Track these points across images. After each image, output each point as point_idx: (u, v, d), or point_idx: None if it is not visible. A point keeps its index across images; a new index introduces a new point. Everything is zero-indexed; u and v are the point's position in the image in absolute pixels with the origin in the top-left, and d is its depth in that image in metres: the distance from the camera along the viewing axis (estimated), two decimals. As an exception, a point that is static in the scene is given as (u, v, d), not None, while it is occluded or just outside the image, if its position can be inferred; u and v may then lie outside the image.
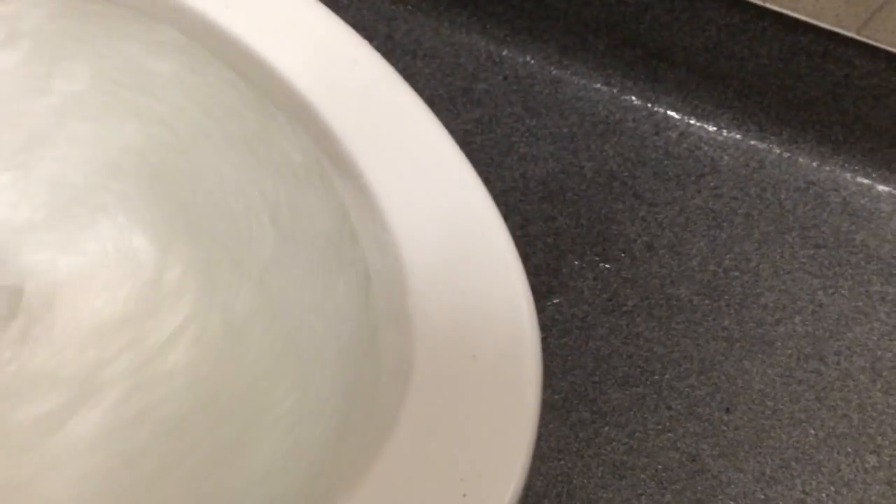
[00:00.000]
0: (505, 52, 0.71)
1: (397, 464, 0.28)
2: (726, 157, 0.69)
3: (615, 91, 0.70)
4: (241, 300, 0.37)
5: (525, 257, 0.63)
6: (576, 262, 0.65)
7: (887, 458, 0.60)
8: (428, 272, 0.32)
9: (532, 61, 0.71)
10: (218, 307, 0.37)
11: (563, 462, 0.59)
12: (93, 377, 0.36)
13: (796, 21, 0.57)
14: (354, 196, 0.34)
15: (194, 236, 0.39)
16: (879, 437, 0.61)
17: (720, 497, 0.58)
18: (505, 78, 0.71)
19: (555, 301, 0.64)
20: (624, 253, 0.66)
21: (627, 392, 0.62)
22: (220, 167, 0.39)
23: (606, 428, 0.61)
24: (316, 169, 0.37)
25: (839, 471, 0.59)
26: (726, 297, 0.65)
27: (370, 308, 0.33)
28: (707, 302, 0.65)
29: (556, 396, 0.61)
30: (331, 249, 0.36)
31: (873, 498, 0.59)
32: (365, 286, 0.33)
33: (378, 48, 0.70)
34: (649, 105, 0.70)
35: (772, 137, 0.69)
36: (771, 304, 0.65)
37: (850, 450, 0.60)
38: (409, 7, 0.72)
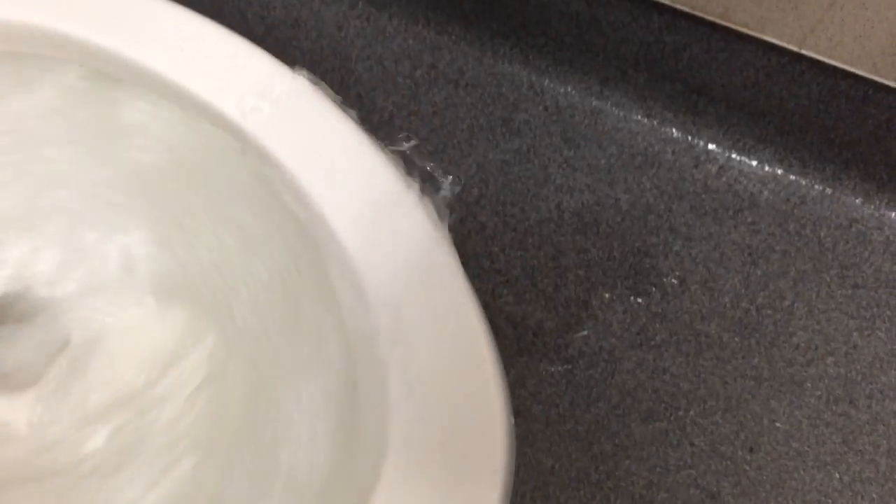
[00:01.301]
0: (546, 83, 0.74)
1: None
2: (766, 192, 0.71)
3: (655, 123, 0.72)
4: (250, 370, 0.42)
5: (555, 288, 0.66)
6: (606, 295, 0.68)
7: (913, 507, 0.61)
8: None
9: (573, 92, 0.74)
10: (230, 369, 0.42)
11: (581, 492, 0.62)
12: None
13: (834, 67, 0.59)
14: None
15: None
16: (906, 486, 0.62)
17: (737, 536, 0.60)
18: (545, 108, 0.74)
19: (583, 333, 0.67)
20: (655, 287, 0.68)
21: (651, 426, 0.64)
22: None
23: (627, 461, 0.63)
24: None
25: (862, 517, 0.61)
26: (757, 335, 0.66)
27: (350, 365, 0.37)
28: (737, 339, 0.67)
29: (580, 428, 0.64)
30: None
31: (896, 546, 0.60)
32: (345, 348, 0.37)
33: (422, 77, 0.74)
34: (689, 138, 0.72)
35: (814, 173, 0.70)
36: (803, 344, 0.66)
37: (874, 496, 0.62)
38: (454, 37, 0.75)
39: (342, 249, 0.36)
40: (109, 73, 0.42)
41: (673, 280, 0.68)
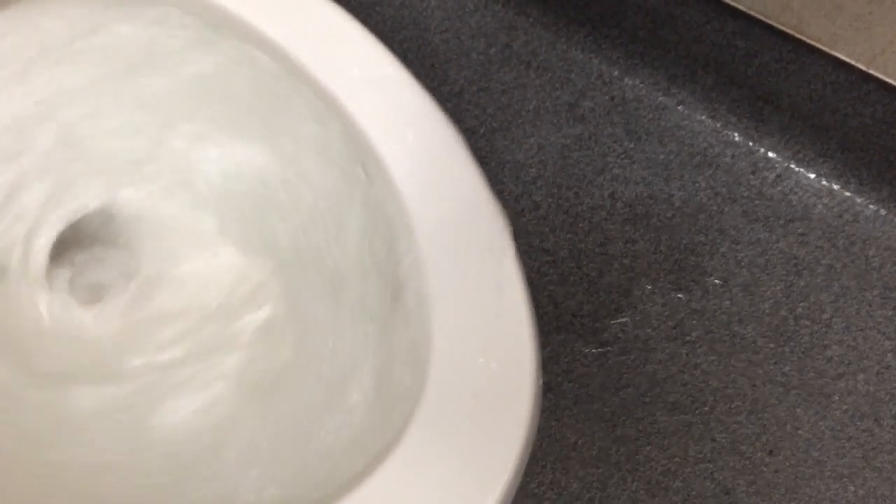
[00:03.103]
0: (615, 74, 0.78)
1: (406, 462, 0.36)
2: (820, 206, 0.74)
3: (718, 125, 0.76)
4: (304, 300, 0.47)
5: (599, 274, 0.71)
6: (648, 287, 0.72)
7: (923, 528, 0.65)
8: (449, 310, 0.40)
9: (640, 85, 0.78)
10: (292, 304, 0.47)
11: (600, 470, 0.67)
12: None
13: (900, 89, 0.62)
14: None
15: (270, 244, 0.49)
16: (920, 506, 0.65)
17: (745, 531, 0.64)
18: (611, 98, 0.78)
19: (621, 320, 0.71)
20: (697, 285, 0.72)
21: (675, 418, 0.69)
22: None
23: (648, 447, 0.68)
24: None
25: (871, 530, 0.65)
26: (792, 343, 0.70)
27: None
28: (771, 345, 0.70)
29: (606, 409, 0.69)
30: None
31: (900, 563, 0.64)
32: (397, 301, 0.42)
33: (495, 55, 0.79)
34: (750, 143, 0.75)
35: (870, 193, 0.73)
36: (836, 358, 0.70)
37: (887, 512, 0.65)
38: (531, 19, 0.80)
39: (398, 192, 0.40)
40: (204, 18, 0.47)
41: (716, 280, 0.72)
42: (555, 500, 0.67)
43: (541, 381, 0.42)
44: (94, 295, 0.51)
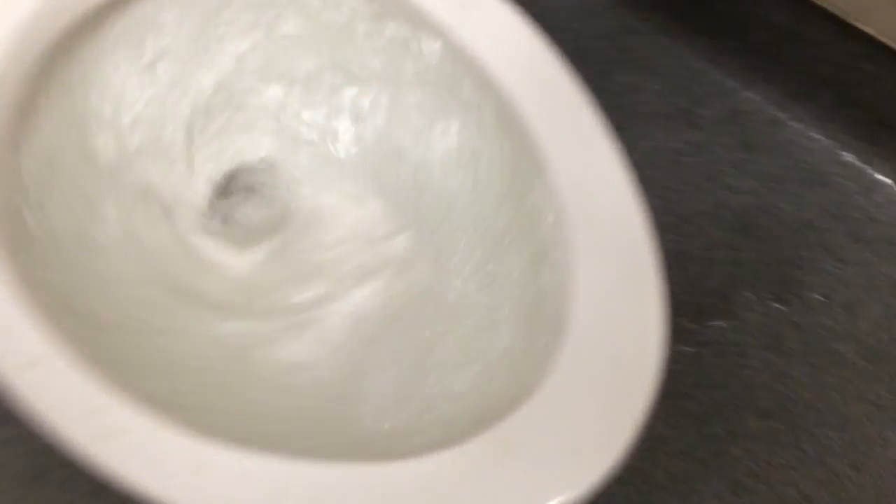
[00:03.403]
0: (734, 85, 0.80)
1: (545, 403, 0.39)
2: (929, 234, 0.75)
3: (832, 144, 0.78)
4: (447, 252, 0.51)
5: (701, 277, 0.73)
6: (749, 295, 0.74)
7: None
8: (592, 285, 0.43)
9: (758, 99, 0.80)
10: (433, 257, 0.51)
11: (686, 465, 0.69)
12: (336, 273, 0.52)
13: None
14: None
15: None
16: None
17: (826, 541, 0.66)
18: (728, 109, 0.80)
19: (717, 323, 0.73)
20: (798, 298, 0.74)
21: (765, 423, 0.70)
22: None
23: (735, 448, 0.70)
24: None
25: (953, 555, 0.65)
26: (887, 365, 0.71)
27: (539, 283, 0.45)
28: (867, 365, 0.72)
29: (697, 408, 0.71)
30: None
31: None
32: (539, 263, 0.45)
33: (615, 57, 0.81)
34: (862, 165, 0.77)
35: (982, 226, 0.74)
36: (932, 384, 0.71)
37: (970, 540, 0.66)
38: (653, 25, 0.82)
39: (542, 151, 0.43)
40: None
41: (817, 295, 0.74)
42: (640, 486, 0.69)
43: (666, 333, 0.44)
44: (247, 239, 0.56)
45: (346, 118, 0.57)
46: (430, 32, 0.50)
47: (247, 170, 0.59)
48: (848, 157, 0.77)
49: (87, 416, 0.39)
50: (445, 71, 0.51)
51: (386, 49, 0.54)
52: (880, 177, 0.76)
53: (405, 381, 0.47)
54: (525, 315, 0.44)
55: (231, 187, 0.59)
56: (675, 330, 0.73)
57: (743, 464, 0.69)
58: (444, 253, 0.53)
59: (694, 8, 0.80)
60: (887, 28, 0.70)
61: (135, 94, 0.53)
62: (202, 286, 0.52)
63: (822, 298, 0.74)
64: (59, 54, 0.48)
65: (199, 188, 0.57)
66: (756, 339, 0.73)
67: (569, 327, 0.41)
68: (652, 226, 0.45)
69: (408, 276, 0.51)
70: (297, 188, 0.58)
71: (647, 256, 0.43)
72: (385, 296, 0.51)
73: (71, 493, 0.71)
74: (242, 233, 0.56)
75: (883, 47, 0.74)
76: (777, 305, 0.74)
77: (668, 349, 0.43)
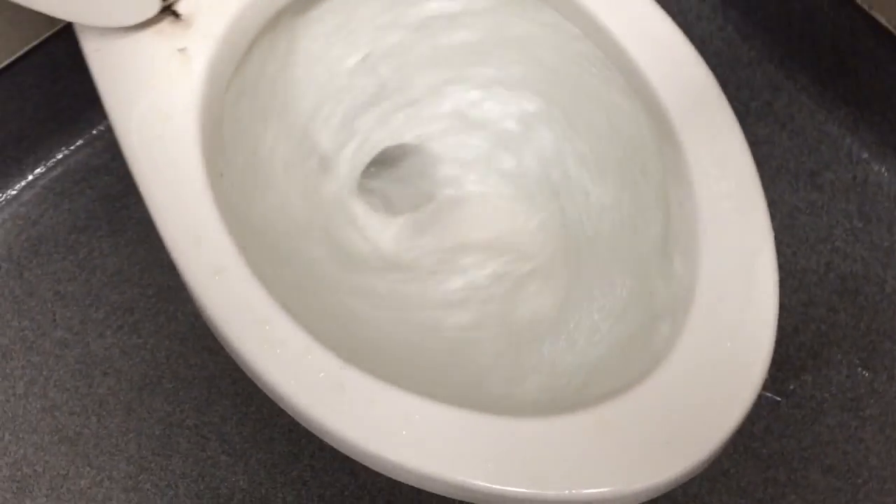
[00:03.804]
0: (864, 156, 0.83)
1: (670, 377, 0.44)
2: None
3: (950, 231, 0.80)
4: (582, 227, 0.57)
5: (795, 330, 0.77)
6: (837, 356, 0.78)
7: None
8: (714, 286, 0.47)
9: (885, 172, 0.83)
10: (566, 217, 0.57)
11: (743, 501, 0.73)
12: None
13: None
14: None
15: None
16: None
17: None
18: (854, 177, 0.83)
19: (802, 377, 0.77)
20: (885, 369, 0.77)
21: (827, 479, 0.74)
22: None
23: (794, 497, 0.74)
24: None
25: None
26: (962, 451, 0.74)
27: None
28: (941, 446, 0.74)
29: (764, 450, 0.75)
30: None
31: None
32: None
33: (755, 109, 0.86)
34: (977, 257, 0.79)
35: None
36: None
37: None
38: (798, 85, 0.86)
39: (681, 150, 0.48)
40: None
41: (904, 370, 0.77)
42: (695, 510, 0.74)
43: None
44: (393, 208, 0.64)
45: (514, 124, 0.63)
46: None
47: (403, 150, 0.67)
48: (964, 246, 0.79)
49: (255, 325, 0.46)
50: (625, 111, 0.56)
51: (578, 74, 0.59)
52: None
53: (532, 353, 0.53)
54: (649, 310, 0.50)
55: (386, 162, 0.66)
56: (759, 374, 0.77)
57: (799, 511, 0.73)
58: (577, 252, 0.59)
59: (839, 75, 0.83)
60: None
61: (332, 65, 0.61)
62: (349, 240, 0.60)
63: (909, 375, 0.77)
64: (275, 23, 0.56)
65: (360, 156, 0.64)
66: (836, 399, 0.76)
67: (683, 334, 0.46)
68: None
69: (539, 267, 0.58)
70: (446, 173, 0.65)
71: (770, 281, 0.47)
72: (511, 270, 0.58)
73: (173, 406, 0.81)
74: (391, 203, 0.64)
75: None
76: (863, 371, 0.77)
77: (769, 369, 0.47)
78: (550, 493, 0.42)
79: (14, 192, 0.89)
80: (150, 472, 0.79)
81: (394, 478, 0.46)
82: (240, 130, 0.57)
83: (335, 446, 0.47)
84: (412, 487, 0.75)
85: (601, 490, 0.43)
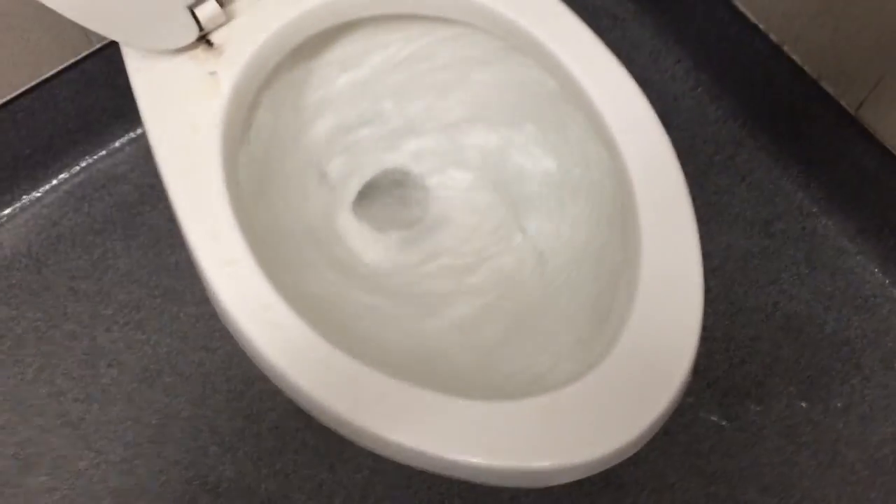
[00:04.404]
0: (814, 210, 0.93)
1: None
2: (953, 379, 0.85)
3: (886, 281, 0.89)
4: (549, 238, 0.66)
5: (741, 361, 0.86)
6: (779, 387, 0.86)
7: None
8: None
9: (831, 226, 0.92)
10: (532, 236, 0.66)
11: (686, 511, 0.81)
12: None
13: None
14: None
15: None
16: None
17: None
18: (803, 228, 0.92)
19: (746, 403, 0.85)
20: (821, 401, 0.85)
21: (763, 497, 0.82)
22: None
23: (732, 511, 0.81)
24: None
25: None
26: (886, 478, 0.82)
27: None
28: (868, 473, 0.82)
29: (708, 468, 0.83)
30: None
31: None
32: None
33: (718, 161, 0.95)
34: (910, 306, 0.88)
35: None
36: (921, 507, 0.81)
37: None
38: (758, 143, 0.96)
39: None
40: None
41: (838, 403, 0.85)
42: (642, 519, 0.82)
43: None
44: (383, 226, 0.72)
45: (478, 146, 0.73)
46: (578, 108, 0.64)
47: (396, 173, 0.76)
48: (898, 295, 0.88)
49: (259, 310, 0.54)
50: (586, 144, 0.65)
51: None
52: (923, 319, 0.87)
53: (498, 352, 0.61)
54: (596, 318, 0.58)
55: (379, 185, 0.75)
56: (708, 400, 0.85)
57: (735, 525, 0.81)
58: (549, 263, 0.68)
59: (794, 136, 0.93)
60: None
61: (340, 94, 0.70)
62: (338, 252, 0.69)
63: (842, 407, 0.85)
64: (295, 55, 0.66)
65: (355, 177, 0.73)
66: (775, 426, 0.84)
67: (624, 331, 0.54)
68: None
69: (513, 277, 0.67)
70: (434, 198, 0.74)
71: (695, 298, 0.55)
72: (492, 282, 0.67)
73: (170, 398, 0.88)
74: (381, 222, 0.72)
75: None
76: (801, 403, 0.85)
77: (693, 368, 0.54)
78: (507, 464, 0.50)
79: (38, 195, 0.97)
80: (144, 457, 0.86)
81: (358, 442, 0.53)
82: (257, 146, 0.65)
83: (319, 419, 0.55)
84: (387, 483, 0.82)
85: (546, 463, 0.51)
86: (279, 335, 0.54)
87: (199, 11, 0.60)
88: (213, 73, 0.61)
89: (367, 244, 0.72)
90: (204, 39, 0.62)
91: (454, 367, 0.61)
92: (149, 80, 0.62)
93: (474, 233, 0.71)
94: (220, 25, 0.62)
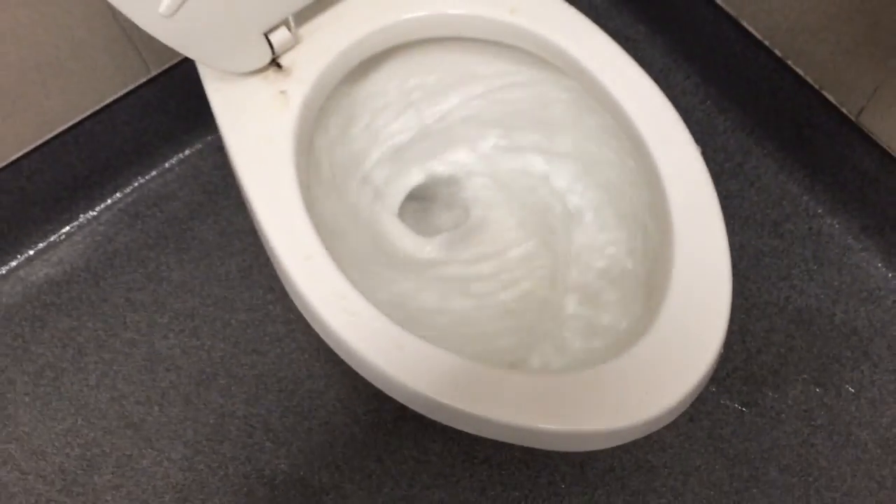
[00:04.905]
0: (819, 210, 1.00)
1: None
2: (955, 364, 0.92)
3: (890, 274, 0.96)
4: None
5: (758, 351, 0.92)
6: (794, 375, 0.93)
7: None
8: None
9: (836, 225, 0.99)
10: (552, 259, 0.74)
11: (712, 493, 0.87)
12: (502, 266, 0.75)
13: None
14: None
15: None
16: None
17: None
18: (810, 228, 1.00)
19: (764, 390, 0.92)
20: (834, 387, 0.92)
21: (783, 477, 0.88)
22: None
23: (755, 490, 0.88)
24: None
25: None
26: (895, 459, 0.88)
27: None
28: (880, 452, 0.89)
29: (731, 451, 0.90)
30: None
31: None
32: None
33: (728, 168, 1.02)
34: (912, 297, 0.95)
35: None
36: (930, 481, 0.87)
37: None
38: (765, 151, 1.03)
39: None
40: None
41: (850, 388, 0.92)
42: (671, 501, 0.88)
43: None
44: (426, 230, 0.80)
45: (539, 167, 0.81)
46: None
47: (440, 182, 0.83)
48: (900, 287, 0.96)
49: (335, 299, 0.61)
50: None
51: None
52: (924, 309, 0.94)
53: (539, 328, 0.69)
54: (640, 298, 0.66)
55: (423, 192, 0.83)
56: (728, 388, 0.92)
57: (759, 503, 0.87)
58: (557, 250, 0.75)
59: (798, 143, 1.01)
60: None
61: (388, 109, 0.78)
62: (389, 250, 0.76)
63: (854, 391, 0.92)
64: (353, 74, 0.73)
65: (401, 185, 0.81)
66: (792, 410, 0.91)
67: (660, 314, 0.61)
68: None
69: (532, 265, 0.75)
70: (473, 206, 0.81)
71: (724, 284, 0.62)
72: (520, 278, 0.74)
73: (225, 399, 0.94)
74: (424, 225, 0.80)
75: (947, 207, 0.93)
76: (815, 388, 0.92)
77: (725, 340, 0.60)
78: (563, 427, 0.57)
79: (94, 213, 1.04)
80: (203, 454, 0.92)
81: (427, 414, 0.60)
82: (321, 153, 0.73)
83: (393, 395, 0.61)
84: (431, 472, 0.88)
85: (596, 427, 0.58)
86: (354, 321, 0.61)
87: (272, 37, 0.68)
88: (283, 92, 0.69)
89: (403, 241, 0.79)
90: (274, 62, 0.70)
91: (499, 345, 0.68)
92: (226, 98, 0.69)
93: (500, 239, 0.79)
94: (289, 49, 0.70)
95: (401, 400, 0.62)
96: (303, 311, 0.64)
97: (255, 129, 0.68)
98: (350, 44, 0.71)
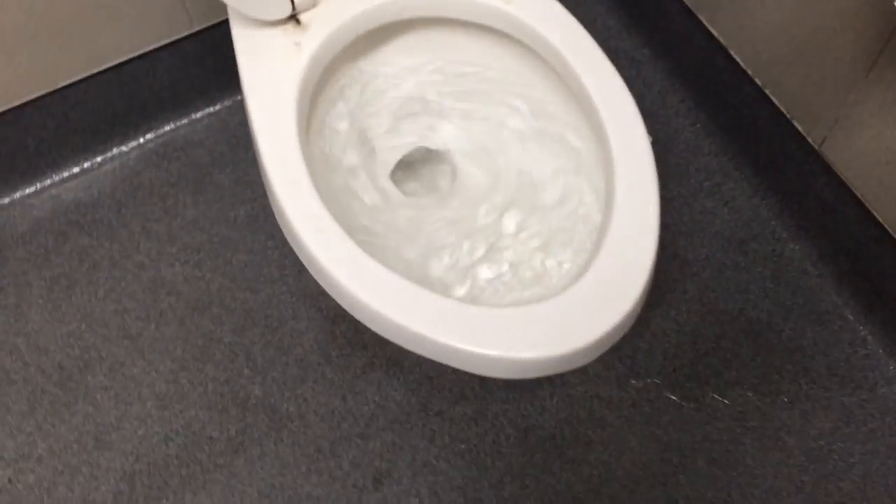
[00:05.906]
0: (783, 235, 1.08)
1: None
2: (883, 389, 0.99)
3: (840, 301, 1.04)
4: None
5: (705, 353, 1.01)
6: (735, 379, 1.01)
7: None
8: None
9: (797, 250, 1.08)
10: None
11: (643, 473, 0.95)
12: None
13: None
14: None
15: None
16: None
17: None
18: (773, 251, 1.08)
19: (704, 389, 1.00)
20: (770, 395, 1.00)
21: (710, 468, 0.96)
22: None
23: (682, 477, 0.95)
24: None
25: None
26: (818, 465, 0.95)
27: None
28: (803, 459, 0.96)
29: (664, 436, 0.97)
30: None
31: None
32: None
33: (707, 188, 1.11)
34: (858, 325, 1.03)
35: (931, 399, 0.98)
36: (846, 491, 0.94)
37: None
38: (742, 175, 1.12)
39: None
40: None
41: (785, 398, 0.99)
42: (603, 477, 0.96)
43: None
44: (413, 191, 0.90)
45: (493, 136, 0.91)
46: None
47: (428, 151, 0.94)
48: (849, 314, 1.03)
49: (310, 218, 0.72)
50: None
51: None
52: (868, 337, 1.02)
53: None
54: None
55: (414, 160, 0.93)
56: (672, 383, 1.01)
57: (685, 489, 0.95)
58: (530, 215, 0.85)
59: (772, 170, 1.09)
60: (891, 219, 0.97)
61: (396, 77, 0.89)
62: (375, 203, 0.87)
63: (788, 402, 0.99)
64: (363, 40, 0.85)
65: (395, 150, 0.92)
66: (728, 410, 0.99)
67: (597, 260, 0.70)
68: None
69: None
70: (457, 170, 0.92)
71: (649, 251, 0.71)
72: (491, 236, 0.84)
73: (215, 326, 1.05)
74: (412, 187, 0.90)
75: (888, 235, 1.00)
76: (751, 394, 1.00)
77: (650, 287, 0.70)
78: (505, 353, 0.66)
79: (125, 149, 1.16)
80: (188, 371, 1.03)
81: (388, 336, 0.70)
82: (324, 104, 0.84)
83: (345, 305, 0.71)
84: (388, 417, 0.98)
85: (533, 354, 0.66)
86: (323, 239, 0.71)
87: (295, -7, 0.80)
88: (297, 43, 0.80)
89: (391, 198, 0.89)
90: (294, 18, 0.81)
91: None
92: (248, 43, 0.81)
93: (473, 199, 0.89)
94: (309, 8, 0.82)
95: (352, 312, 0.72)
96: (282, 226, 0.75)
97: (269, 71, 0.79)
98: (363, 10, 0.83)
